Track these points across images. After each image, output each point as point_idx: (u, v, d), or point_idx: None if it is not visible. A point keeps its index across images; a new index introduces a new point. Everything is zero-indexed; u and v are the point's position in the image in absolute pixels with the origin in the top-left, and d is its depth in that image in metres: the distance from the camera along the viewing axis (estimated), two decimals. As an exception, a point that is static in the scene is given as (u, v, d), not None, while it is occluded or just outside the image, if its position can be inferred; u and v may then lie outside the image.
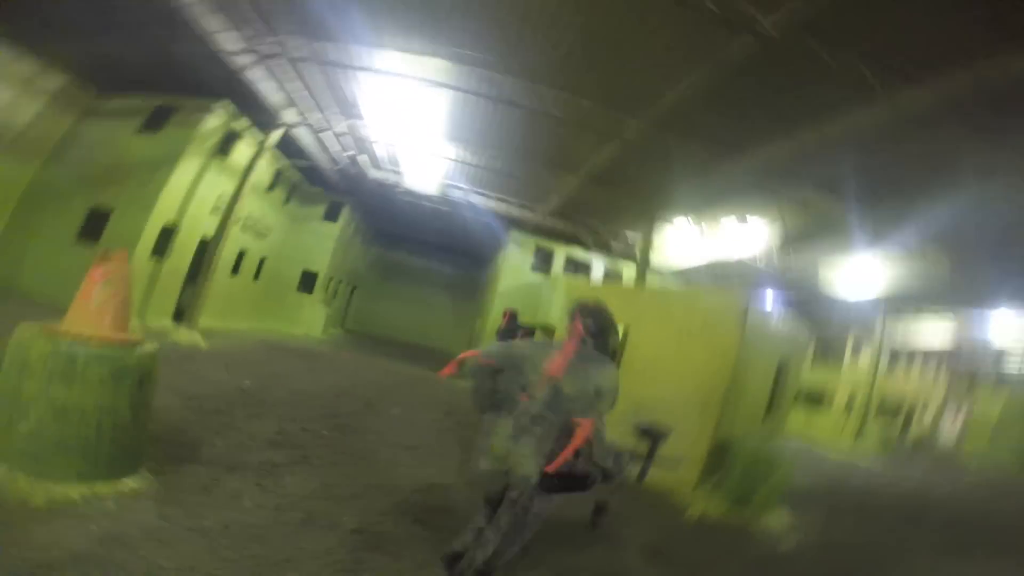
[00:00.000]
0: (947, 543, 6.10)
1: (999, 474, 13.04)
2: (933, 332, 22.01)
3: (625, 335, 7.16)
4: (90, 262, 9.14)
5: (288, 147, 13.07)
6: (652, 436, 3.33)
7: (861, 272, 13.71)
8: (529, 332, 7.80)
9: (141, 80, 11.19)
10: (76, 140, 11.26)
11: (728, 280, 17.31)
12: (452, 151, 12.62)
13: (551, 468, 2.35)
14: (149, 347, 3.05)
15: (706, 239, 13.90)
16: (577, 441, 2.34)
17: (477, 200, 15.42)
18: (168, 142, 11.04)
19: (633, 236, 15.36)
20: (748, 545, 4.73)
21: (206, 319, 10.85)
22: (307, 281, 17.87)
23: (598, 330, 2.78)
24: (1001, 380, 17.60)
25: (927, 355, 24.89)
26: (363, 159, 14.43)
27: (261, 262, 15.52)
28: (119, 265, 3.11)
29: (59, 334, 2.77)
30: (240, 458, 3.82)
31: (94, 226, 10.48)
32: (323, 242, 18.06)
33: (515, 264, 16.33)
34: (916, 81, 5.87)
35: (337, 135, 12.96)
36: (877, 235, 10.90)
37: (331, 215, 18.30)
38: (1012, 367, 22.04)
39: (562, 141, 10.67)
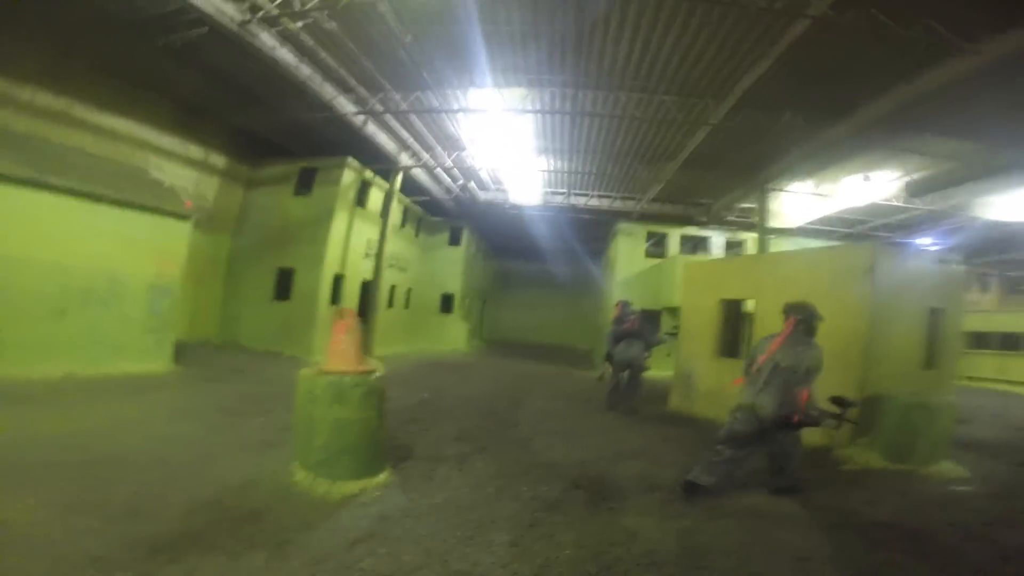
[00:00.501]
0: None
1: None
2: None
3: (756, 306, 7.51)
4: (283, 315, 11.50)
5: (408, 186, 14.92)
6: (843, 404, 4.11)
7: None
8: (648, 318, 8.34)
9: (279, 148, 13.37)
10: (249, 209, 13.57)
11: (859, 229, 15.90)
12: (546, 163, 13.56)
13: (795, 419, 3.90)
14: (380, 373, 4.28)
15: (825, 197, 13.11)
16: (803, 401, 3.87)
17: (580, 201, 16.19)
18: (320, 201, 12.98)
19: (747, 206, 14.92)
20: (910, 488, 4.76)
21: (375, 347, 13.04)
22: (446, 303, 20.03)
23: (806, 318, 4.15)
24: None
25: None
26: (472, 185, 15.98)
27: (408, 292, 17.84)
28: (351, 318, 4.36)
29: (329, 372, 4.04)
30: (438, 452, 5.11)
31: (283, 284, 12.81)
32: (452, 266, 20.09)
33: (628, 253, 16.70)
34: (997, 30, 5.63)
35: (446, 169, 14.59)
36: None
37: (454, 240, 20.29)
38: None
39: (649, 136, 11.06)
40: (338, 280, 13.23)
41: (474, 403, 8.12)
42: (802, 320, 4.13)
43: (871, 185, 11.82)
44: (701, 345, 8.37)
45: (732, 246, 17.12)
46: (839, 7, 5.70)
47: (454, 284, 20.03)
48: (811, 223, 15.47)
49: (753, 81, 7.58)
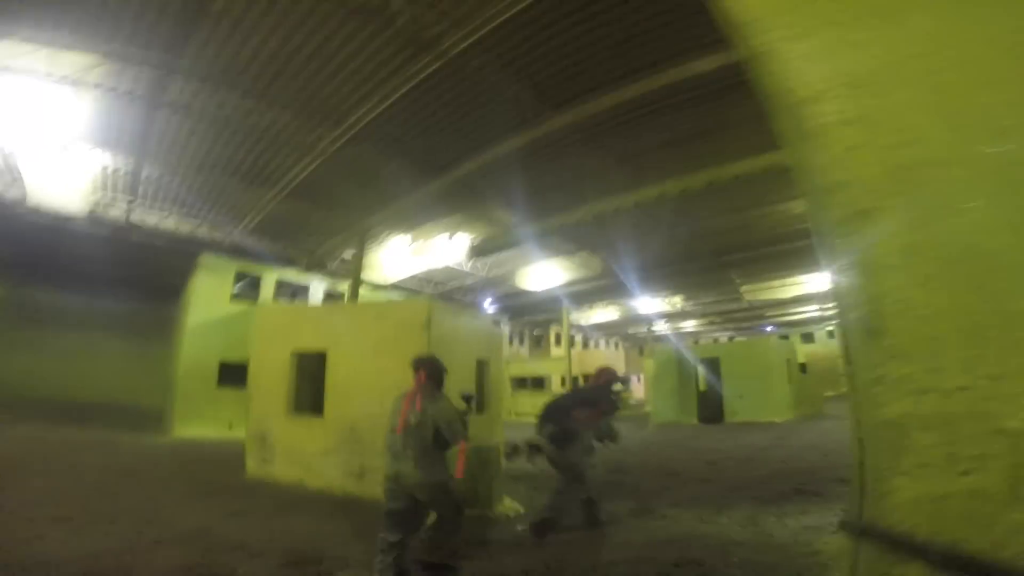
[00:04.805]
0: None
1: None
2: (604, 315, 28.38)
3: (324, 358, 7.14)
4: None
5: None
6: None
7: (545, 271, 16.95)
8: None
9: None
10: None
11: (441, 289, 18.98)
12: (104, 161, 10.44)
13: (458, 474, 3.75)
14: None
15: (415, 252, 14.94)
16: (461, 458, 3.69)
17: (150, 219, 13.11)
18: None
19: (347, 253, 15.19)
20: (488, 534, 4.95)
21: None
22: None
23: (434, 371, 4.03)
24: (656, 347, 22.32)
25: (606, 332, 32.03)
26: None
27: None
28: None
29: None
30: None
31: None
32: None
33: (211, 293, 14.10)
34: (563, 106, 7.56)
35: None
36: (543, 242, 13.26)
37: None
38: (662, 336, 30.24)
39: (255, 152, 10.01)
40: None
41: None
42: (431, 374, 4.04)
43: (451, 247, 13.96)
44: (275, 402, 7.51)
45: (333, 297, 16.77)
46: (467, 54, 6.45)
47: None
48: (402, 280, 17.21)
49: (374, 116, 7.82)
